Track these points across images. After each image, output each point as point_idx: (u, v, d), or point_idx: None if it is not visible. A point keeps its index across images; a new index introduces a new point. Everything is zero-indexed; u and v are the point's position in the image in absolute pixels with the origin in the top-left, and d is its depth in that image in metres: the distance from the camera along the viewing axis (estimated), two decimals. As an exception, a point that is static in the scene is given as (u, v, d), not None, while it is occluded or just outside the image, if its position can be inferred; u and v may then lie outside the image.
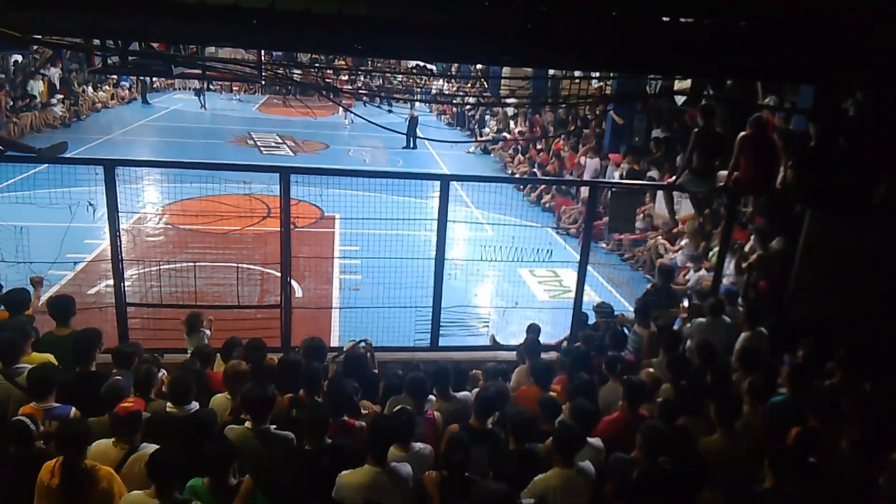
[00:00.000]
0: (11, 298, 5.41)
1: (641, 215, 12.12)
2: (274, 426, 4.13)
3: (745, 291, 7.36)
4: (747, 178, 6.81)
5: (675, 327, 6.99)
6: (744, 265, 7.63)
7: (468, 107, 24.36)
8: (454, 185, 7.32)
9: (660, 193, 10.69)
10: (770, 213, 7.76)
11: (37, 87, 21.43)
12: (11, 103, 19.49)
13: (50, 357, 4.79)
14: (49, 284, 7.21)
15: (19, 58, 24.10)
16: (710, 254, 9.51)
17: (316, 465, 3.94)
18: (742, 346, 5.88)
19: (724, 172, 6.96)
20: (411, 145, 20.90)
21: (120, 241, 6.40)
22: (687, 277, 9.77)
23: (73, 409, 4.25)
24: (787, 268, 6.80)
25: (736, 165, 6.83)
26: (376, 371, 5.68)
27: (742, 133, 6.78)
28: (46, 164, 6.91)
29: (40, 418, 4.06)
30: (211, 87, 31.34)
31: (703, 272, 9.40)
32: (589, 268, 7.39)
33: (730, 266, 7.87)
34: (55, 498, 3.53)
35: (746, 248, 8.12)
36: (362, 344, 5.88)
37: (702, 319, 6.41)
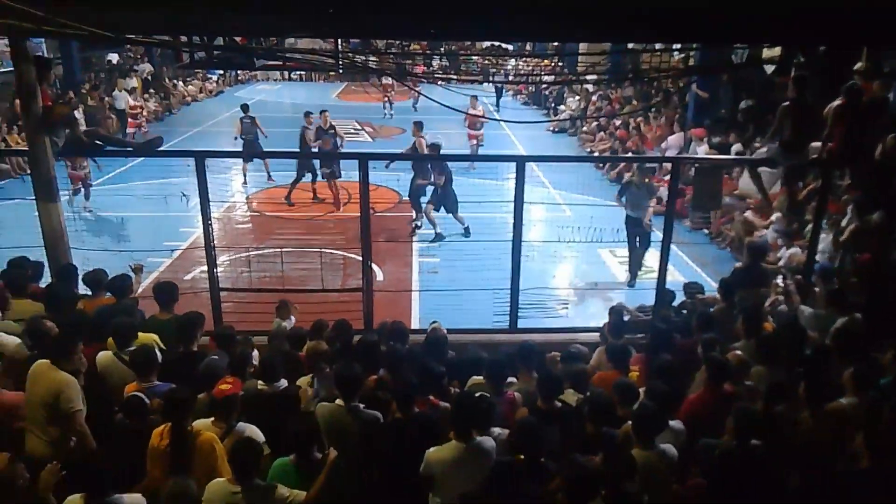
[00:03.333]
0: (116, 284, 5.79)
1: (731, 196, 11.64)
2: (363, 405, 4.27)
3: (842, 267, 6.97)
4: (841, 149, 6.43)
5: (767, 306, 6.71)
6: (840, 239, 7.22)
7: (544, 85, 23.96)
8: (531, 165, 7.26)
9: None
10: (867, 186, 7.30)
11: (130, 84, 22.59)
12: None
13: (155, 338, 5.08)
14: (148, 271, 7.64)
15: (115, 57, 25.54)
16: (805, 229, 9.03)
17: (404, 435, 4.05)
18: (837, 330, 5.37)
19: (817, 144, 6.59)
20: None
21: (212, 229, 6.69)
22: (779, 255, 9.34)
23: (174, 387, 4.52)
24: (886, 244, 6.39)
25: (830, 136, 6.47)
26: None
27: (835, 102, 6.40)
28: (142, 158, 7.31)
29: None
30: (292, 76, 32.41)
31: (795, 249, 8.95)
32: (673, 247, 7.18)
33: (826, 241, 7.47)
34: (165, 459, 3.83)
35: (843, 223, 7.67)
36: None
37: (811, 310, 5.98)
